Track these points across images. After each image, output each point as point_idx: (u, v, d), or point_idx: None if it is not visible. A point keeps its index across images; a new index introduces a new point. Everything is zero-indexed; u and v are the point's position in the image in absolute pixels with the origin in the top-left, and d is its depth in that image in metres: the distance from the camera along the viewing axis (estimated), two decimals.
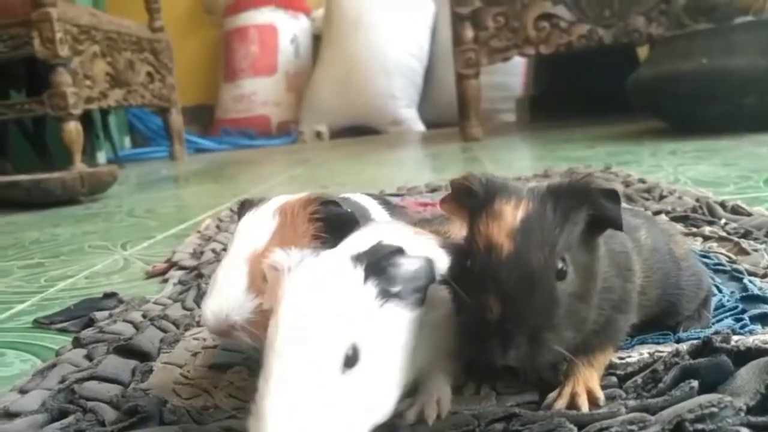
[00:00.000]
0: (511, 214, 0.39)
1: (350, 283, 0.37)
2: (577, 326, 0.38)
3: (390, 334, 0.38)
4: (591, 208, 0.39)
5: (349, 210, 0.50)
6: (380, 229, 0.47)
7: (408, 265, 0.39)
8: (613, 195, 0.40)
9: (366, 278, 0.38)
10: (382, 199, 0.65)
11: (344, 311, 0.36)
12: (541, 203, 0.39)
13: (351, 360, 0.35)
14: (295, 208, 0.50)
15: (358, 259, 0.38)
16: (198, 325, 0.64)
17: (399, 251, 0.39)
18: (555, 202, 0.39)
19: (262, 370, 0.34)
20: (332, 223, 0.49)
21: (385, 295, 0.38)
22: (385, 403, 0.36)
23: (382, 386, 0.36)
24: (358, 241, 0.42)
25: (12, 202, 1.89)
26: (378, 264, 0.38)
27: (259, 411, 0.33)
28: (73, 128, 2.05)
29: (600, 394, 0.40)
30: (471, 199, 0.42)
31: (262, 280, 0.45)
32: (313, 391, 0.33)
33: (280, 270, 0.38)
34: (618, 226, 0.39)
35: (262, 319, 0.44)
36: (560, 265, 0.38)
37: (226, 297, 0.46)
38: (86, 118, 2.44)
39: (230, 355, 0.55)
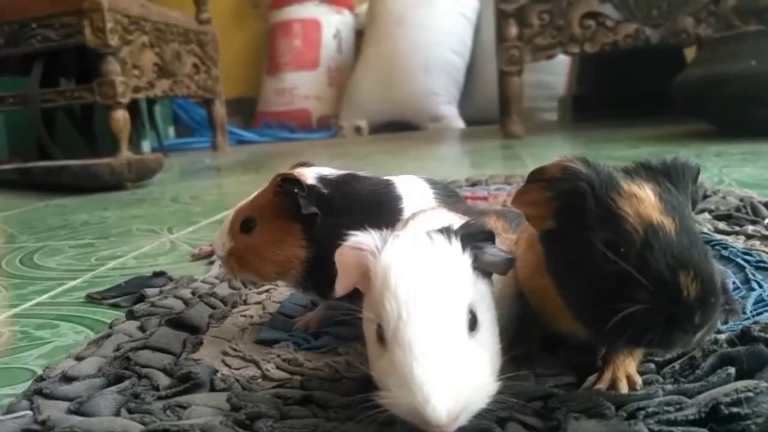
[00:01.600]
0: (646, 194, 0.39)
1: (452, 253, 0.39)
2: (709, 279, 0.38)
3: (488, 302, 0.40)
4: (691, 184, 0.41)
5: (305, 192, 0.54)
6: (427, 213, 0.49)
7: (496, 253, 0.41)
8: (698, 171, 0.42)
9: (463, 250, 0.39)
10: (437, 184, 0.66)
11: (456, 278, 0.37)
12: (655, 183, 0.40)
13: (473, 323, 0.36)
14: (274, 179, 0.56)
15: (449, 233, 0.40)
16: (245, 303, 0.67)
17: (489, 234, 0.41)
18: (664, 180, 0.40)
19: (393, 342, 0.35)
20: (293, 198, 0.54)
21: (478, 267, 0.40)
22: (498, 365, 0.38)
23: (495, 349, 0.38)
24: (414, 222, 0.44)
25: (61, 186, 1.95)
26: (472, 237, 0.40)
27: (408, 379, 0.33)
28: (121, 116, 2.10)
29: (638, 379, 0.40)
30: (565, 186, 0.41)
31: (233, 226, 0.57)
32: (455, 354, 0.34)
33: (366, 250, 0.39)
34: (696, 200, 0.41)
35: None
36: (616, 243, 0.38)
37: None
38: (133, 107, 2.50)
39: (276, 332, 0.57)
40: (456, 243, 0.39)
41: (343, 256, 0.40)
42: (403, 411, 0.34)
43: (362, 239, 0.40)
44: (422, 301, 0.36)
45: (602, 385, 0.40)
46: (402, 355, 0.34)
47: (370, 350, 0.38)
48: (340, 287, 0.40)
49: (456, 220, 0.45)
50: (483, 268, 0.40)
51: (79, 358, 0.54)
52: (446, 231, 0.40)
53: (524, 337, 0.48)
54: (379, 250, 0.39)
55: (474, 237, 0.40)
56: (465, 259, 0.39)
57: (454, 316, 0.36)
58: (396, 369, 0.34)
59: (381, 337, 0.36)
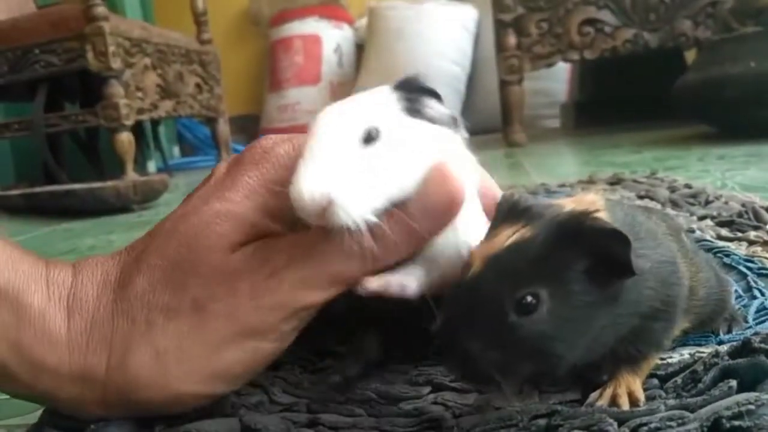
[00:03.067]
0: (504, 238, 0.38)
1: (376, 93, 0.44)
2: (543, 361, 0.37)
3: (412, 133, 0.42)
4: (593, 249, 0.36)
5: None
6: None
7: (438, 107, 0.45)
8: (617, 237, 0.35)
9: (394, 91, 0.44)
10: None
11: (367, 105, 0.42)
12: (543, 234, 0.37)
13: (369, 138, 0.40)
14: None
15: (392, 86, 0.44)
16: None
17: (432, 91, 0.45)
18: (557, 236, 0.37)
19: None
20: None
21: (411, 114, 0.43)
22: (402, 183, 0.40)
23: (400, 168, 0.40)
24: None
25: (68, 210, 1.97)
26: (407, 86, 0.44)
27: (293, 174, 0.39)
28: (126, 138, 2.12)
29: (640, 396, 0.41)
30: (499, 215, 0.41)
31: None
32: (336, 155, 0.39)
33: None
34: (628, 271, 0.36)
35: None
36: (528, 299, 0.35)
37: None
38: (137, 129, 2.52)
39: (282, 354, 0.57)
40: (387, 89, 0.44)
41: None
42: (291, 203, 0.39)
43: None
44: (326, 121, 0.41)
45: (603, 402, 0.40)
46: (299, 161, 0.40)
47: None
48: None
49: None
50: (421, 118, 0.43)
51: None
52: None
53: None
54: None
55: (411, 87, 0.44)
56: (388, 100, 0.43)
57: (347, 130, 0.40)
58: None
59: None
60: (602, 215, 0.38)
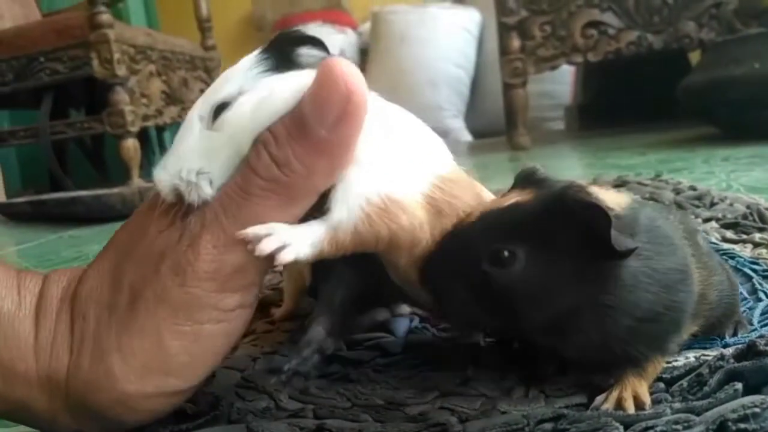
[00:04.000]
0: (507, 200, 0.40)
1: (241, 61, 0.42)
2: (508, 315, 0.40)
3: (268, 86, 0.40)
4: (575, 222, 0.38)
5: None
6: None
7: (314, 53, 0.43)
8: (598, 212, 0.36)
9: (261, 53, 0.42)
10: None
11: (221, 79, 0.41)
12: (536, 201, 0.39)
13: (218, 113, 0.40)
14: None
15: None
16: (254, 332, 0.67)
17: (314, 40, 0.43)
18: (546, 204, 0.39)
19: None
20: None
21: (283, 67, 0.41)
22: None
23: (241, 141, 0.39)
24: None
25: (74, 217, 1.97)
26: (282, 40, 0.43)
27: None
28: (131, 145, 2.13)
29: (646, 399, 0.41)
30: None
31: None
32: (185, 139, 0.41)
33: None
34: (610, 250, 0.36)
35: None
36: (505, 254, 0.38)
37: None
38: (143, 135, 2.52)
39: (288, 360, 0.57)
40: (252, 56, 0.42)
41: None
42: None
43: None
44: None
45: (609, 405, 0.40)
46: None
47: None
48: None
49: None
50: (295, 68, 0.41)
51: None
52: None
53: (538, 358, 0.48)
54: None
55: (282, 42, 0.42)
56: (253, 64, 0.41)
57: (199, 111, 0.41)
58: None
59: None
60: (607, 198, 0.40)
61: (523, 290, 0.38)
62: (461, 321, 0.41)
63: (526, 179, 0.43)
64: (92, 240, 1.62)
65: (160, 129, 2.97)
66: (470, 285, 0.39)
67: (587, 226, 0.37)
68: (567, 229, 0.38)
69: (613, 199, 0.41)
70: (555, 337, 0.42)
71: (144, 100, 2.31)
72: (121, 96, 2.13)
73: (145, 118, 2.30)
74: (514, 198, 0.40)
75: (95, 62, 2.10)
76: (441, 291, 0.40)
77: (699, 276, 0.45)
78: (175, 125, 3.58)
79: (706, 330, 0.48)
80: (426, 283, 0.40)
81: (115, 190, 1.97)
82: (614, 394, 0.41)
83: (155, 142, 3.10)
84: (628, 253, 0.37)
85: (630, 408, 0.40)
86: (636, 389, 0.41)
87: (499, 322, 0.42)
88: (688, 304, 0.43)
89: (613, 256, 0.37)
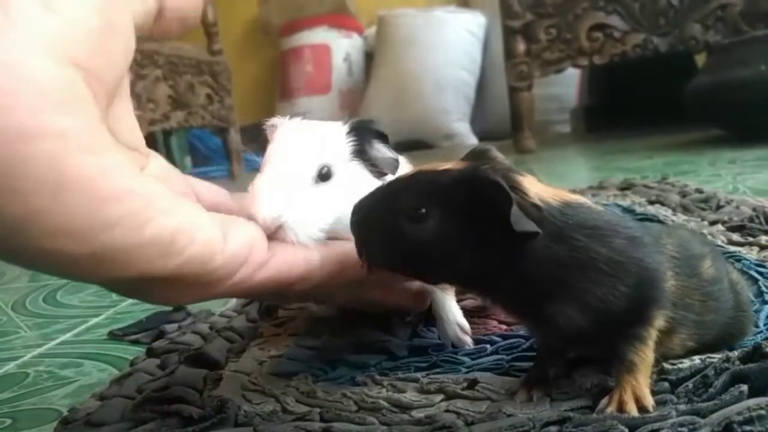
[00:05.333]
0: (440, 166, 0.44)
1: (333, 130, 0.50)
2: (419, 266, 0.45)
3: (357, 178, 0.49)
4: (484, 196, 0.41)
5: None
6: None
7: (384, 151, 0.51)
8: (500, 190, 0.40)
9: (348, 133, 0.50)
10: None
11: (322, 142, 0.48)
12: (461, 172, 0.42)
13: (324, 176, 0.47)
14: None
15: (346, 123, 0.51)
16: (261, 336, 0.68)
17: (382, 135, 0.51)
18: (465, 176, 0.42)
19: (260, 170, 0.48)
20: None
21: (360, 155, 0.50)
22: (343, 221, 0.46)
23: (347, 206, 0.45)
24: None
25: None
26: (361, 129, 0.50)
27: (252, 188, 0.46)
28: None
29: (648, 403, 0.40)
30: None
31: None
32: (291, 186, 0.46)
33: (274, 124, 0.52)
34: (509, 230, 0.39)
35: None
36: (421, 211, 0.42)
37: None
38: (149, 140, 2.53)
39: (295, 364, 0.58)
40: (343, 129, 0.50)
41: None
42: (246, 212, 0.44)
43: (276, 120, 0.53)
44: (282, 153, 0.48)
45: (612, 408, 0.40)
46: (258, 176, 0.47)
47: None
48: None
49: None
50: (367, 160, 0.50)
51: (102, 398, 0.55)
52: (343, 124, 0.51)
53: (541, 361, 0.48)
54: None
55: (363, 130, 0.50)
56: (342, 140, 0.49)
57: (303, 164, 0.47)
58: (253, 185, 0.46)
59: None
60: (539, 190, 0.42)
61: (430, 246, 0.43)
62: (380, 263, 0.45)
63: (475, 155, 0.46)
64: None
65: (166, 133, 2.98)
66: (390, 233, 0.44)
67: (493, 203, 0.40)
68: (478, 201, 0.41)
69: (554, 194, 0.43)
70: (480, 292, 0.48)
71: (151, 105, 2.32)
72: None
73: (152, 122, 2.31)
74: (449, 165, 0.44)
75: None
76: (365, 234, 0.45)
77: (683, 293, 0.45)
78: (182, 130, 3.60)
79: (710, 346, 0.48)
80: (353, 226, 0.45)
81: None
82: (615, 397, 0.41)
83: (162, 146, 3.11)
84: (528, 235, 0.40)
85: (632, 410, 0.40)
86: (636, 391, 0.41)
87: (412, 270, 0.46)
88: (613, 300, 0.43)
89: (514, 236, 0.39)
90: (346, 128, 0.50)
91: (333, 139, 0.49)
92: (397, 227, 0.43)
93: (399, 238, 0.43)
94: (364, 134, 0.50)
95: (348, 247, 0.46)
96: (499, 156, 0.46)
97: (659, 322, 0.43)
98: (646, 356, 0.43)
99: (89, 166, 0.31)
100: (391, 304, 0.57)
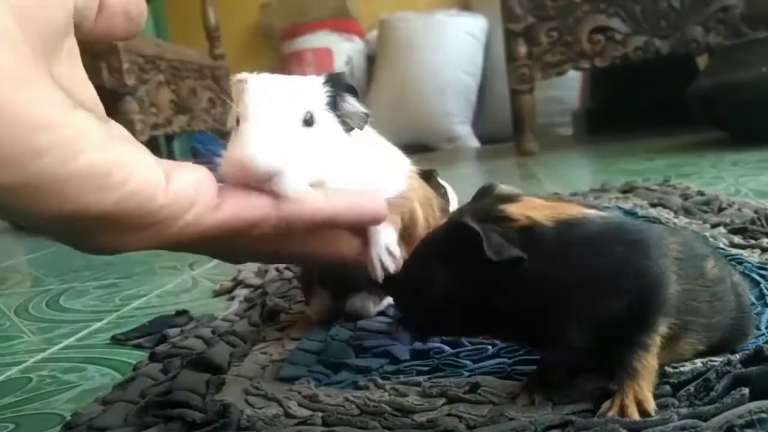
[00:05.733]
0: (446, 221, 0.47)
1: (309, 81, 0.48)
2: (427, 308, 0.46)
3: (333, 129, 0.48)
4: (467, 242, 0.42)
5: None
6: None
7: (355, 104, 0.50)
8: (471, 233, 0.42)
9: (323, 84, 0.48)
10: None
11: (303, 90, 0.46)
12: (448, 226, 0.46)
13: (308, 122, 0.45)
14: None
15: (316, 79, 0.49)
16: (264, 340, 0.68)
17: (353, 89, 0.50)
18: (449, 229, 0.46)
19: (241, 119, 0.44)
20: None
21: (333, 107, 0.48)
22: (330, 167, 0.45)
23: (331, 149, 0.46)
24: None
25: None
26: (334, 82, 0.49)
27: (241, 137, 0.42)
28: None
29: (648, 406, 0.41)
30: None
31: None
32: (281, 129, 0.43)
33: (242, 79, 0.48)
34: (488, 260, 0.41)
35: None
36: (433, 272, 0.45)
37: None
38: (152, 144, 2.54)
39: (296, 368, 0.58)
40: (318, 80, 0.48)
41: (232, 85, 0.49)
42: (231, 163, 0.42)
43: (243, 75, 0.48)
44: (269, 95, 0.45)
45: (613, 411, 0.41)
46: (244, 124, 0.43)
47: (231, 137, 0.45)
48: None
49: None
50: (338, 113, 0.48)
51: (105, 402, 0.56)
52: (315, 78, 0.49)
53: (544, 365, 0.48)
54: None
55: (336, 82, 0.49)
56: (319, 91, 0.47)
57: (290, 108, 0.44)
58: (237, 134, 0.43)
59: (237, 121, 0.45)
60: (529, 212, 0.44)
61: (451, 303, 0.44)
62: (423, 333, 0.50)
63: (482, 193, 0.48)
64: None
65: (169, 138, 2.98)
66: (417, 301, 0.46)
67: (473, 243, 0.42)
68: (463, 247, 0.43)
69: (550, 213, 0.44)
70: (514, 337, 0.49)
71: (153, 110, 2.32)
72: (130, 105, 2.14)
73: (155, 127, 2.31)
74: (450, 219, 0.47)
75: (105, 72, 2.11)
76: (407, 308, 0.48)
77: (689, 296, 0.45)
78: (184, 134, 3.60)
79: (714, 348, 0.48)
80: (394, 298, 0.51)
81: None
82: (617, 401, 0.41)
83: (164, 150, 3.11)
84: (513, 261, 0.41)
85: (634, 414, 0.40)
86: (638, 395, 0.41)
87: (451, 331, 0.50)
88: (615, 312, 0.43)
89: (500, 266, 0.41)
90: (321, 79, 0.49)
91: (311, 89, 0.48)
92: (420, 295, 0.46)
93: (427, 305, 0.46)
94: (336, 87, 0.49)
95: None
96: (503, 188, 0.48)
97: (662, 328, 0.43)
98: (648, 363, 0.43)
99: (16, 92, 0.31)
100: (330, 254, 0.52)
